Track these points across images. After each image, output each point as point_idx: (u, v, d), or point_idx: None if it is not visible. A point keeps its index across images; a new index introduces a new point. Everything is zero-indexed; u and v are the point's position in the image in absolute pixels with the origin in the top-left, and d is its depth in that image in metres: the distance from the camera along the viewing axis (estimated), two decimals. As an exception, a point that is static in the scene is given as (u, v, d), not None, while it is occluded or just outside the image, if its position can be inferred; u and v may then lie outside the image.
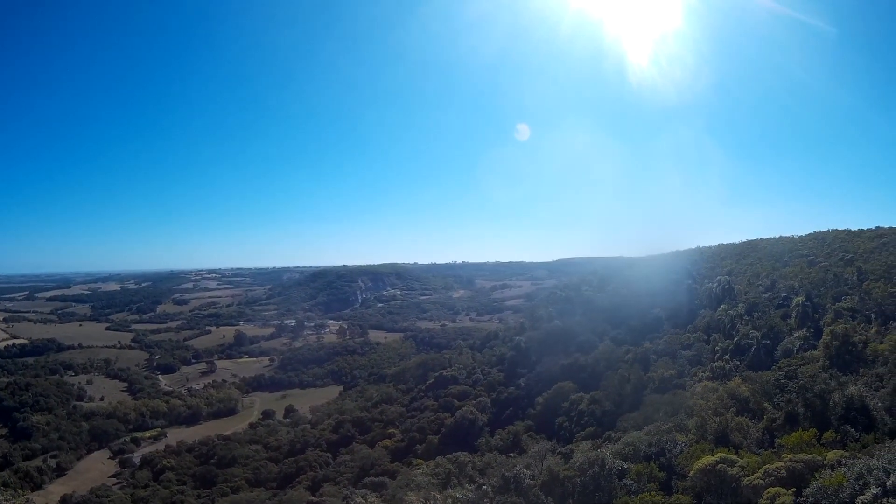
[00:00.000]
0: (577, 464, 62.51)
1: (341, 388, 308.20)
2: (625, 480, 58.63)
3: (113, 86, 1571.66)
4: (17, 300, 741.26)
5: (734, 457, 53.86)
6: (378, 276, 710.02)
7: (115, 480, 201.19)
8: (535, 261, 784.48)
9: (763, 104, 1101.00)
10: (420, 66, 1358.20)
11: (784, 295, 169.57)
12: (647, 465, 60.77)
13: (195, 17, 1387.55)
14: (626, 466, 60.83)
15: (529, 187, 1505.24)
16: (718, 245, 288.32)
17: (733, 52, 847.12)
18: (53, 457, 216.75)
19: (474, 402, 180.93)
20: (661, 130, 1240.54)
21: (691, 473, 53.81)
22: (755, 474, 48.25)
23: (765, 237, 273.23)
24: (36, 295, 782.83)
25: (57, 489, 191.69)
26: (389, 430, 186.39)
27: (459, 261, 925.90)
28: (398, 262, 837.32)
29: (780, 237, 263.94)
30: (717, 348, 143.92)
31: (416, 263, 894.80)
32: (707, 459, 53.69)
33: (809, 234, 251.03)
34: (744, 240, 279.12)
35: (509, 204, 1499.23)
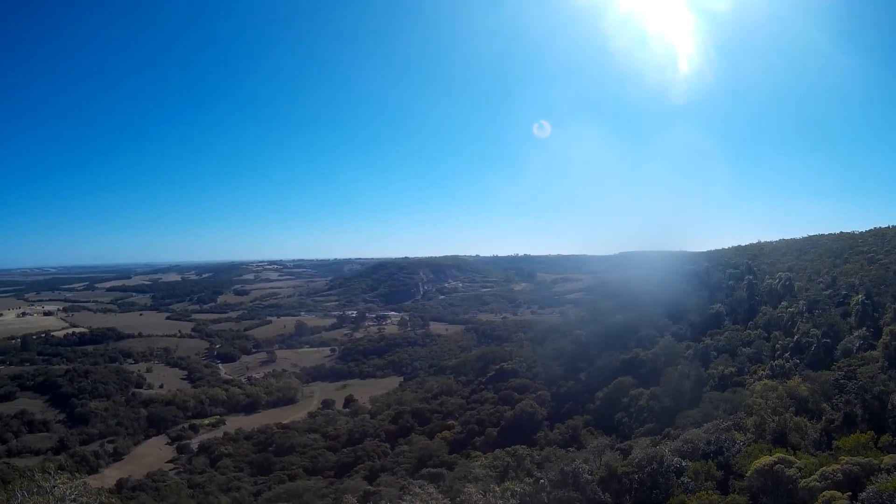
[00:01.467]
0: (636, 460, 62.71)
1: (401, 379, 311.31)
2: (682, 478, 58.62)
3: (176, 79, 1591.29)
4: (77, 290, 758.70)
5: (792, 457, 53.75)
6: (440, 268, 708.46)
7: (171, 466, 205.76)
8: (596, 254, 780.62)
9: (818, 97, 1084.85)
10: (475, 56, 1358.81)
11: (844, 293, 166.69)
12: (705, 463, 60.71)
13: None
14: (684, 464, 60.62)
15: (589, 181, 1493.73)
16: (779, 240, 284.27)
17: (787, 45, 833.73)
18: (111, 442, 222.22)
19: (534, 395, 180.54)
20: (714, 125, 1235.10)
21: (748, 473, 53.88)
22: (811, 476, 48.30)
23: (825, 233, 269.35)
24: (96, 285, 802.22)
25: (113, 473, 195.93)
26: (448, 422, 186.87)
27: (521, 253, 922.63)
28: (460, 254, 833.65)
29: (841, 233, 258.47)
30: (777, 346, 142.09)
31: (477, 256, 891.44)
32: (765, 459, 53.75)
33: (870, 231, 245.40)
34: (804, 235, 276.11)
35: (570, 197, 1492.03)
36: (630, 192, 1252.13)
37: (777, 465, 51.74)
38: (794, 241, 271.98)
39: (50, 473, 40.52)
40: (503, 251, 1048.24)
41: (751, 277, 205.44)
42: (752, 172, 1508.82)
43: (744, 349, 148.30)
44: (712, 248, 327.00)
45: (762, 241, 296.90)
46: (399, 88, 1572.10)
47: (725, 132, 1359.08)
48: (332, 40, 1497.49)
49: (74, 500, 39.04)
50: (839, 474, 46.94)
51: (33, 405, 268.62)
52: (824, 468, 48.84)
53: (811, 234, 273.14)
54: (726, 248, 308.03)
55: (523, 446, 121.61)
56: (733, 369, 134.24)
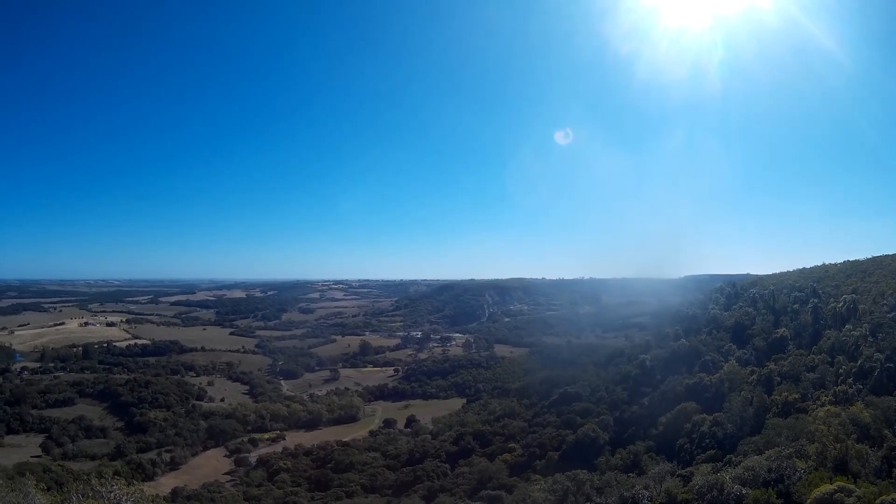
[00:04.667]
0: (696, 487, 62.64)
1: (464, 400, 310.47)
2: (741, 506, 58.50)
3: (249, 99, 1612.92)
4: (141, 303, 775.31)
5: (852, 486, 53.31)
6: (505, 290, 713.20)
7: (228, 478, 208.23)
8: (661, 278, 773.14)
9: (876, 115, 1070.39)
10: (545, 81, 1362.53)
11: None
12: (765, 491, 59.94)
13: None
14: (744, 492, 60.30)
15: (654, 204, 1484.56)
16: (843, 262, 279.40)
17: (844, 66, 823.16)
18: (168, 451, 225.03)
19: (596, 419, 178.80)
20: (773, 147, 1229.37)
21: (808, 502, 53.58)
22: (870, 506, 48.05)
23: (890, 253, 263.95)
24: (160, 299, 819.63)
25: (169, 481, 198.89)
26: (510, 445, 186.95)
27: (586, 276, 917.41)
28: (525, 276, 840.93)
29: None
30: (840, 371, 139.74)
31: (543, 279, 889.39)
32: (824, 488, 53.42)
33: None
34: (868, 256, 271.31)
35: (635, 221, 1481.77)
36: (694, 215, 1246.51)
37: (837, 494, 51.38)
38: (858, 262, 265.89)
39: (106, 478, 41.28)
40: (569, 274, 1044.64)
41: (815, 301, 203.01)
42: (816, 194, 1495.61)
43: (808, 374, 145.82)
44: (777, 270, 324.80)
45: (826, 263, 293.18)
46: (468, 114, 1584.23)
47: (785, 155, 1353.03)
48: (393, 60, 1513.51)
49: (129, 506, 39.83)
50: (897, 504, 46.54)
51: (92, 412, 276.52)
52: (883, 497, 48.53)
53: (875, 254, 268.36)
54: (791, 270, 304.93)
55: (584, 471, 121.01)
56: (797, 395, 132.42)
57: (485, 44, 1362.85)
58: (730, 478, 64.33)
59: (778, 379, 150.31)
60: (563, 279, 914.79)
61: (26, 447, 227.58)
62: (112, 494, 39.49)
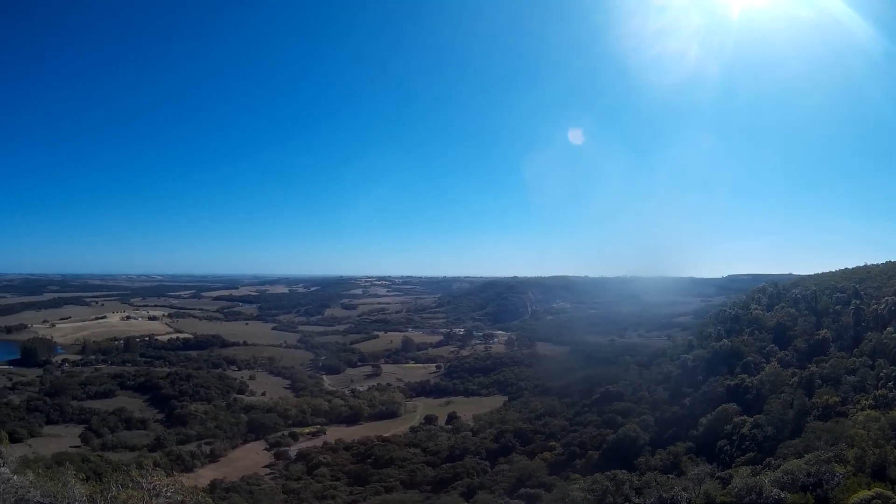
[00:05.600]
0: (735, 490, 63.16)
1: (506, 398, 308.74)
2: (780, 510, 58.88)
3: (289, 91, 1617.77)
4: (183, 298, 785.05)
5: (889, 493, 53.63)
6: (548, 288, 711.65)
7: (267, 471, 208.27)
8: (704, 277, 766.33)
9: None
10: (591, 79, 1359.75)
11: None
12: (804, 495, 60.23)
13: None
14: (782, 496, 60.59)
15: (692, 202, 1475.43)
16: (886, 262, 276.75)
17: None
18: (208, 443, 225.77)
19: (637, 419, 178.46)
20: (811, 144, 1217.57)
21: (844, 508, 54.06)
22: (907, 513, 48.43)
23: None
24: (202, 294, 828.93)
25: (208, 473, 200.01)
26: (550, 443, 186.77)
27: (629, 275, 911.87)
28: (568, 274, 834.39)
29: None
30: (881, 374, 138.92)
31: (586, 277, 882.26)
32: (862, 494, 53.77)
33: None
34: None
35: (677, 219, 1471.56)
36: (734, 213, 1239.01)
37: (874, 501, 51.76)
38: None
39: (145, 469, 42.34)
40: (611, 272, 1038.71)
41: (857, 302, 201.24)
42: (857, 192, 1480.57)
43: (848, 378, 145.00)
44: (819, 271, 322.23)
45: (869, 263, 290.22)
46: (512, 112, 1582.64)
47: (826, 153, 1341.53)
48: (440, 56, 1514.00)
49: (169, 497, 40.95)
50: (934, 512, 46.95)
51: (132, 404, 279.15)
52: (922, 504, 48.89)
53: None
54: (833, 271, 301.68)
55: (623, 471, 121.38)
56: (837, 399, 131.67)
57: (536, 46, 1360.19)
58: (769, 481, 64.47)
59: (819, 381, 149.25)
60: (605, 277, 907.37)
61: (66, 437, 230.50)
62: (151, 485, 40.57)
